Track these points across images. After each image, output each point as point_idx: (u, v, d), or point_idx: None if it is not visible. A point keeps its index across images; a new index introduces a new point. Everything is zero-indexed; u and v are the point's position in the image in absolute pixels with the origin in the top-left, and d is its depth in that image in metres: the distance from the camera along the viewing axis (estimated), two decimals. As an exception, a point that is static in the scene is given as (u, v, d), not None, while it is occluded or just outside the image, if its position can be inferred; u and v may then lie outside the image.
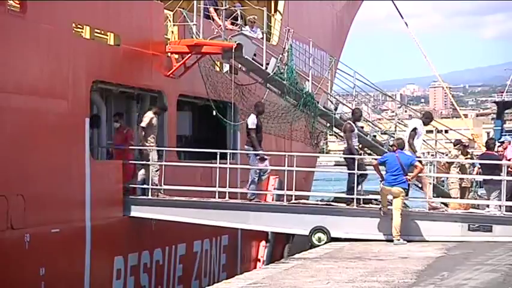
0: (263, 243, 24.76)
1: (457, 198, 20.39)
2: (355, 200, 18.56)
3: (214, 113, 21.12)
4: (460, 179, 20.70)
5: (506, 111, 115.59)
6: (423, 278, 12.78)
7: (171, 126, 20.82)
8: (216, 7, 21.91)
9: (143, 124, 19.00)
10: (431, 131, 27.99)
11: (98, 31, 18.19)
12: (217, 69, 22.41)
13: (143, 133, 18.97)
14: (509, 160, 19.81)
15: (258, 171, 19.21)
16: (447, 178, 21.64)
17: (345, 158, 19.42)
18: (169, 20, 20.32)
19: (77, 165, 17.27)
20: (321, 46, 26.71)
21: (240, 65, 21.24)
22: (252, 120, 19.36)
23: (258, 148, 19.22)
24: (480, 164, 20.38)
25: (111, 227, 18.30)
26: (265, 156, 19.40)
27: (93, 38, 18.01)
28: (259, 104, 20.03)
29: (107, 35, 18.50)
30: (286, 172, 19.10)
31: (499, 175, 18.28)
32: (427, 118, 19.91)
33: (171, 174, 19.19)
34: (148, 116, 19.09)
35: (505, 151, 20.74)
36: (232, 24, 21.85)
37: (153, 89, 20.35)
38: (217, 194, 18.99)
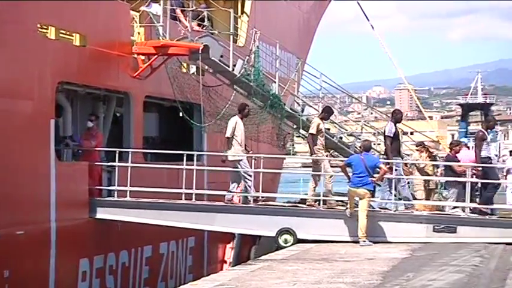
0: (230, 244, 24.74)
1: (422, 199, 20.49)
2: (321, 202, 18.62)
3: (181, 115, 21.07)
4: (424, 180, 20.81)
5: (471, 113, 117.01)
6: (389, 279, 12.85)
7: (137, 128, 20.74)
8: (183, 8, 21.87)
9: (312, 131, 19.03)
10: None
11: (64, 32, 18.07)
12: (184, 70, 22.36)
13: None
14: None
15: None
16: (412, 180, 21.74)
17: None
18: (135, 21, 20.25)
19: (42, 167, 17.15)
20: (288, 48, 26.78)
21: (206, 67, 21.22)
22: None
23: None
24: (444, 165, 20.54)
25: (77, 229, 18.18)
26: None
27: (59, 39, 17.89)
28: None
29: (73, 36, 18.39)
30: (253, 174, 19.10)
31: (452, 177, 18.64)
32: (489, 122, 19.58)
33: (138, 175, 19.10)
34: (316, 122, 19.09)
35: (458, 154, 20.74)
36: (199, 25, 21.82)
37: (120, 90, 20.27)
38: (183, 195, 18.95)
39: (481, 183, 18.68)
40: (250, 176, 18.79)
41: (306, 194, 21.00)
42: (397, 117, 19.54)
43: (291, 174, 42.03)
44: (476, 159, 18.54)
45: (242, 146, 19.01)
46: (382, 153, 22.40)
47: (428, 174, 21.18)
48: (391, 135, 18.93)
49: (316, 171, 19.10)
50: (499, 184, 18.88)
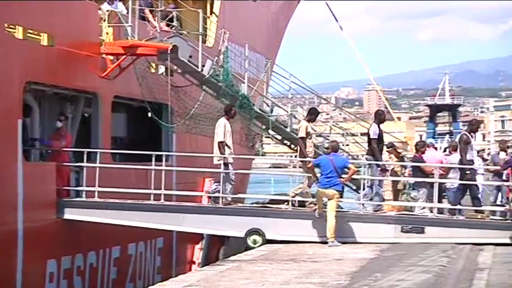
0: (198, 245, 24.71)
1: (391, 200, 20.58)
2: (290, 202, 18.65)
3: (149, 115, 21.01)
4: (393, 181, 20.91)
5: (439, 114, 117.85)
6: (357, 280, 12.89)
7: (105, 128, 20.66)
8: (152, 8, 21.81)
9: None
10: (365, 134, 28.28)
11: (31, 31, 17.95)
12: (153, 70, 22.30)
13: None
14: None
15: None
16: (381, 181, 21.83)
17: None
18: (103, 21, 20.16)
19: (9, 167, 17.02)
20: (257, 48, 26.80)
21: (175, 67, 21.18)
22: None
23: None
24: (411, 166, 20.65)
25: (44, 230, 18.07)
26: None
27: (27, 39, 17.76)
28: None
29: (41, 36, 18.27)
30: (222, 174, 19.09)
31: (421, 177, 18.67)
32: (473, 125, 19.40)
33: (106, 176, 19.01)
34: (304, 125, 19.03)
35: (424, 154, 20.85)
36: (168, 25, 21.77)
37: (88, 90, 20.17)
38: (152, 196, 18.89)
39: (466, 186, 18.76)
40: (233, 179, 18.81)
41: (276, 195, 21.06)
42: (380, 118, 19.55)
43: (260, 175, 42.04)
44: (463, 162, 18.58)
45: (231, 148, 18.99)
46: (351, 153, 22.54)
47: (397, 175, 21.27)
48: (376, 137, 18.92)
49: (306, 173, 19.06)
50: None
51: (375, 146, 18.84)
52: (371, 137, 18.94)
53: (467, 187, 18.60)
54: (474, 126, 19.57)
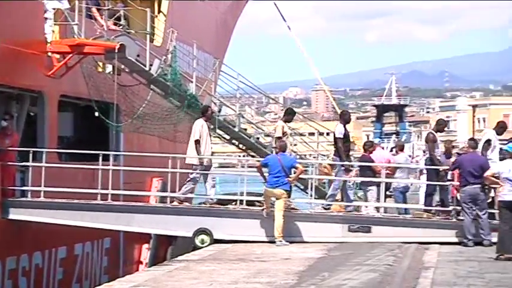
0: (146, 245, 24.58)
1: (339, 200, 20.69)
2: (238, 202, 18.65)
3: (96, 114, 20.85)
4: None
5: (385, 114, 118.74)
6: (304, 279, 12.95)
7: (51, 127, 20.44)
8: (99, 7, 21.64)
9: None
10: (313, 134, 28.45)
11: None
12: (100, 69, 22.13)
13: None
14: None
15: None
16: (329, 180, 21.95)
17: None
18: (49, 19, 19.93)
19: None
20: (205, 48, 26.75)
21: (123, 66, 21.05)
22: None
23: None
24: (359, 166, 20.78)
25: (-12, 230, 17.82)
26: None
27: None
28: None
29: (-15, 34, 18.01)
30: (169, 174, 19.02)
31: (371, 177, 18.76)
32: (501, 128, 19.02)
33: (52, 175, 18.82)
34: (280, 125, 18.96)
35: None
36: (115, 24, 21.63)
37: (33, 89, 19.93)
38: (99, 196, 18.75)
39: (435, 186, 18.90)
40: (213, 179, 18.88)
41: (224, 195, 21.04)
42: (345, 118, 19.64)
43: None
44: (433, 161, 18.68)
45: (208, 149, 18.91)
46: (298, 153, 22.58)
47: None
48: (342, 137, 18.97)
49: None
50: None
51: (340, 146, 18.89)
52: (336, 136, 18.99)
53: (435, 187, 18.58)
54: (441, 125, 19.63)
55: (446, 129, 19.76)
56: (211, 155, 19.87)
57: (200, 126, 18.87)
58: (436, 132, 19.14)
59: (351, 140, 22.37)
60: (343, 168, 18.84)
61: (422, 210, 19.14)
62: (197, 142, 18.71)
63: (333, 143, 19.40)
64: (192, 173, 18.82)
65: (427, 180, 19.03)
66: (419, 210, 19.97)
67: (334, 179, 19.44)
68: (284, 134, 19.31)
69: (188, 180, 18.94)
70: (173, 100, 22.05)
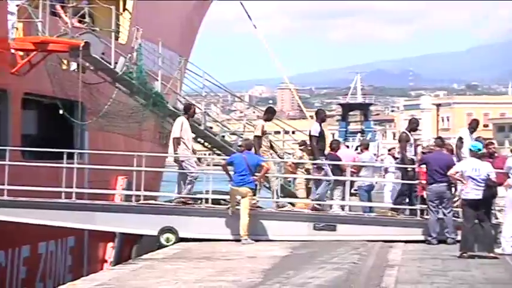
0: (110, 244, 24.47)
1: (304, 198, 20.75)
2: (203, 200, 18.62)
3: (61, 112, 20.70)
4: (306, 179, 21.07)
5: (351, 113, 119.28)
6: (270, 277, 12.96)
7: (15, 125, 20.27)
8: (63, 4, 21.50)
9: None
10: (278, 132, 28.47)
11: None
12: (64, 67, 21.98)
13: None
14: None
15: None
16: (294, 179, 22.00)
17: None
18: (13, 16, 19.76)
19: None
20: (171, 46, 26.66)
21: (87, 64, 20.92)
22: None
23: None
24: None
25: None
26: None
27: None
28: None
29: None
30: (134, 172, 18.95)
31: (338, 175, 18.82)
32: (474, 126, 19.05)
33: (16, 174, 18.65)
34: (260, 124, 18.89)
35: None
36: (80, 22, 21.49)
37: (-3, 87, 19.75)
38: (63, 194, 18.62)
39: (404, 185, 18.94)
40: (194, 177, 18.67)
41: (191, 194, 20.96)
42: (321, 116, 19.65)
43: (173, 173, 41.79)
44: (404, 161, 18.73)
45: (189, 147, 18.83)
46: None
47: (309, 173, 21.42)
48: (317, 135, 18.96)
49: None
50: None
51: (315, 144, 18.88)
52: (312, 134, 18.98)
53: (409, 185, 18.58)
54: (414, 124, 19.62)
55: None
56: (194, 152, 19.75)
57: (180, 124, 18.78)
58: (409, 131, 19.18)
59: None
60: (315, 166, 18.83)
61: (390, 209, 19.21)
62: (175, 140, 18.60)
63: (309, 140, 19.39)
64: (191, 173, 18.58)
65: (402, 179, 18.98)
66: (384, 208, 20.10)
67: (297, 177, 19.41)
68: (264, 133, 19.22)
69: (188, 183, 18.75)
70: (138, 98, 21.96)
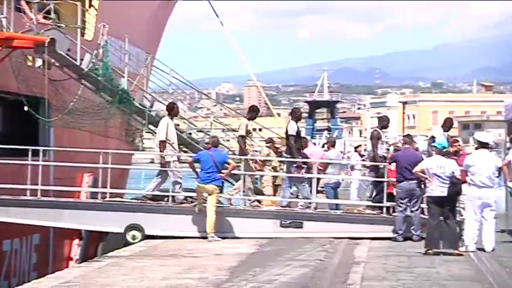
0: (76, 241, 24.32)
1: (271, 195, 20.76)
2: (170, 198, 18.58)
3: (26, 109, 20.53)
4: (273, 177, 21.09)
5: (317, 110, 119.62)
6: (236, 274, 12.96)
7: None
8: (28, 0, 21.32)
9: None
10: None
11: None
12: (30, 63, 21.80)
13: None
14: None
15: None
16: (261, 176, 22.01)
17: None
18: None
19: None
20: (137, 43, 26.55)
21: (53, 60, 20.77)
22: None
23: None
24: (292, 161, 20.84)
25: None
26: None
27: None
28: None
29: None
30: (100, 169, 18.84)
31: (307, 172, 18.85)
32: (448, 125, 18.90)
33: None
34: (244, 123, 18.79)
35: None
36: (45, 18, 21.33)
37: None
38: (28, 191, 18.48)
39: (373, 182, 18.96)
40: (180, 178, 18.61)
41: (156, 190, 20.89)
42: (297, 115, 19.63)
43: (140, 170, 41.66)
44: (375, 158, 18.75)
45: (175, 147, 18.71)
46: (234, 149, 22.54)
47: (276, 170, 21.45)
48: (294, 134, 18.93)
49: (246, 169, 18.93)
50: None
51: (293, 143, 18.83)
52: (289, 133, 18.95)
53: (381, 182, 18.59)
54: (385, 122, 19.64)
55: (377, 125, 19.86)
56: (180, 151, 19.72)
57: (165, 124, 18.67)
58: (380, 129, 19.24)
59: (284, 135, 22.30)
60: (295, 165, 18.76)
61: (366, 206, 19.23)
62: (162, 142, 18.48)
63: (285, 139, 19.33)
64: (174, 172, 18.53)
65: (374, 177, 19.00)
66: (351, 205, 20.18)
67: (264, 174, 19.40)
68: (248, 132, 19.14)
69: (174, 182, 18.68)
70: (104, 95, 21.84)
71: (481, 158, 15.80)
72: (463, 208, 16.33)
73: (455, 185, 15.30)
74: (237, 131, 19.91)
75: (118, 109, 22.31)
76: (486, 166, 15.69)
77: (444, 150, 15.76)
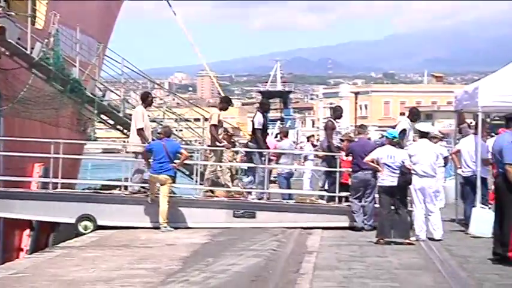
0: (27, 232, 24.05)
1: (224, 185, 20.76)
2: (122, 188, 18.49)
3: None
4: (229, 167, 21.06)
5: (270, 100, 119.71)
6: (189, 265, 12.96)
7: None
8: (-23, -12, 21.01)
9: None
10: (198, 119, 28.46)
11: None
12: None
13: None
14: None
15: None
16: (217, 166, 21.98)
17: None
18: None
19: None
20: (89, 32, 26.33)
21: (3, 49, 20.51)
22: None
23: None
24: (245, 151, 20.88)
25: None
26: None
27: None
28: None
29: None
30: (52, 159, 18.67)
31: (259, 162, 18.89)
32: (415, 115, 18.50)
33: None
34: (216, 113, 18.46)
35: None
36: (-5, 6, 21.03)
37: None
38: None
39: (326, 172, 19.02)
40: (145, 166, 18.39)
41: (108, 180, 20.80)
42: (264, 107, 19.63)
43: (93, 160, 41.40)
44: (331, 148, 18.77)
45: (148, 136, 18.55)
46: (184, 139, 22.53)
47: (231, 160, 21.47)
48: (261, 127, 18.89)
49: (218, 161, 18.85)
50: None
51: (259, 136, 18.81)
52: (255, 126, 18.92)
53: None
54: (338, 112, 19.69)
55: (330, 115, 19.96)
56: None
57: (141, 114, 18.55)
58: (334, 119, 19.32)
59: (238, 125, 22.41)
60: (263, 158, 18.72)
61: (318, 196, 19.32)
62: (140, 130, 18.37)
63: (251, 133, 19.31)
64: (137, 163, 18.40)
65: (329, 167, 19.07)
66: (303, 195, 20.26)
67: (258, 167, 19.30)
68: (219, 122, 19.04)
69: (135, 172, 18.52)
70: (55, 85, 21.63)
71: (422, 148, 15.98)
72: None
73: (405, 175, 15.44)
74: (190, 121, 19.92)
75: (69, 99, 22.13)
76: (427, 155, 15.87)
77: (395, 140, 15.89)
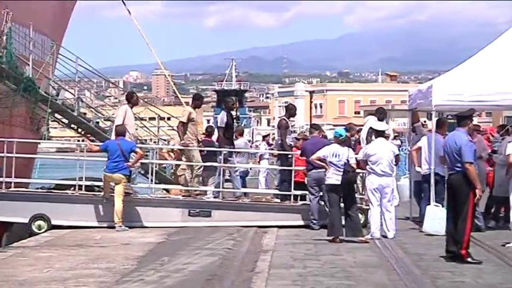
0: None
1: (179, 184, 20.71)
2: (77, 187, 18.36)
3: None
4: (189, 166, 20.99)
5: (226, 99, 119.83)
6: (144, 264, 12.92)
7: None
8: None
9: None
10: (153, 118, 28.34)
11: None
12: None
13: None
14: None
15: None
16: (174, 165, 21.91)
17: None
18: None
19: None
20: (42, 30, 26.07)
21: (-45, 47, 20.26)
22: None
23: None
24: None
25: None
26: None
27: None
28: None
29: None
30: (5, 159, 18.47)
31: (214, 161, 18.88)
32: (381, 114, 18.27)
33: None
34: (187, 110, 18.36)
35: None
36: None
37: None
38: None
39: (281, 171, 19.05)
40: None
41: (62, 179, 20.63)
42: (228, 105, 19.62)
43: (47, 160, 41.02)
44: (283, 146, 18.79)
45: (132, 136, 18.39)
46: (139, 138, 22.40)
47: (180, 159, 21.38)
48: (223, 126, 18.83)
49: (188, 160, 18.72)
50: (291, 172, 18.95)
51: (221, 134, 18.78)
52: (218, 125, 18.89)
53: (290, 171, 18.62)
54: (292, 111, 19.78)
55: (285, 114, 20.01)
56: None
57: (124, 112, 18.48)
58: (288, 118, 19.40)
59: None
60: (221, 156, 18.68)
61: (274, 195, 19.34)
62: (118, 126, 18.26)
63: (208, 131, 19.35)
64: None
65: (281, 165, 19.13)
66: (259, 194, 20.29)
67: (173, 162, 19.30)
68: (192, 119, 18.91)
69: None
70: (8, 83, 21.40)
71: (381, 147, 16.10)
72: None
73: (348, 173, 15.50)
74: (145, 120, 19.86)
75: (23, 97, 21.90)
76: (386, 154, 16.00)
77: (341, 138, 15.94)
